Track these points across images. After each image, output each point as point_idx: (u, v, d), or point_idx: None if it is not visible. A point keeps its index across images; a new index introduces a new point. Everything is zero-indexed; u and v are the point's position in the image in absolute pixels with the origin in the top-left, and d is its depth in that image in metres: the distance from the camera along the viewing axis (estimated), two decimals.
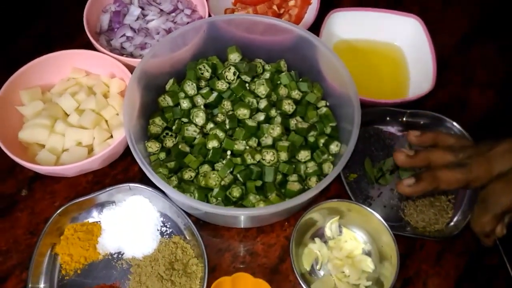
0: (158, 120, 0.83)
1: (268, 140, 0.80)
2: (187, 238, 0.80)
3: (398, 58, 1.01)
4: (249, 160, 0.78)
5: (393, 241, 0.74)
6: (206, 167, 0.79)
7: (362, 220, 0.79)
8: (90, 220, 0.82)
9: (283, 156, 0.78)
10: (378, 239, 0.79)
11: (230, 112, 0.83)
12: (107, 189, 0.80)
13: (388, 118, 0.92)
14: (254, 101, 0.84)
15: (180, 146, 0.80)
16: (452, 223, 0.82)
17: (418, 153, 0.69)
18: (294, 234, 0.75)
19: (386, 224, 0.75)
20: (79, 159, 0.78)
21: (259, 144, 0.81)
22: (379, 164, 0.89)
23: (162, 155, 0.81)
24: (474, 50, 1.07)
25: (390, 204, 0.86)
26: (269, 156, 0.78)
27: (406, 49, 1.01)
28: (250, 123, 0.81)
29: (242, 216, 0.76)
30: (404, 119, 0.91)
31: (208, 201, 0.77)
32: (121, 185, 0.81)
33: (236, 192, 0.76)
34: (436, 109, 0.91)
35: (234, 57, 0.87)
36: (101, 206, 0.83)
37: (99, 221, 0.82)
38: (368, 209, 0.77)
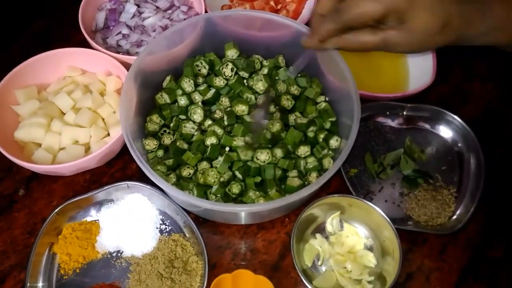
0: (155, 118, 0.82)
1: (266, 135, 0.79)
2: (187, 235, 0.79)
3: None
4: (243, 156, 0.77)
5: (395, 235, 0.74)
6: (204, 164, 0.78)
7: (364, 215, 0.78)
8: (88, 219, 0.81)
9: (279, 153, 0.78)
10: (380, 234, 0.78)
11: (228, 109, 0.82)
12: (105, 188, 0.79)
13: (388, 112, 0.91)
14: (253, 97, 0.83)
15: (178, 143, 0.79)
16: (454, 217, 0.81)
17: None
18: (295, 230, 0.74)
19: (387, 219, 0.74)
20: (76, 158, 0.77)
21: None
22: (380, 159, 0.88)
23: (160, 153, 0.80)
24: None
25: (391, 199, 0.85)
26: (263, 156, 0.77)
27: None
28: (249, 119, 0.80)
29: (242, 213, 0.75)
30: (405, 113, 0.90)
31: (207, 198, 0.76)
32: (119, 183, 0.80)
33: (235, 188, 0.75)
34: (436, 102, 0.90)
35: (232, 53, 0.87)
36: (99, 204, 0.82)
37: (98, 220, 0.81)
38: (369, 203, 0.76)
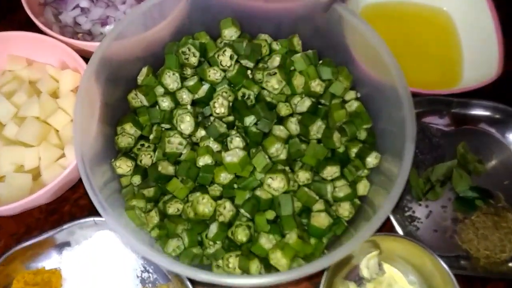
0: (129, 127, 0.66)
1: (282, 155, 0.60)
2: (175, 286, 0.64)
3: (447, 28, 0.84)
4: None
5: (451, 280, 0.59)
6: (198, 195, 0.59)
7: (409, 254, 0.64)
8: (47, 266, 0.67)
9: (304, 177, 0.59)
10: (430, 277, 0.64)
11: None
12: (65, 226, 0.66)
13: (435, 110, 0.75)
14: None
15: (160, 168, 0.61)
16: None
17: None
18: (325, 282, 0.59)
19: (441, 262, 0.62)
20: (21, 191, 0.62)
21: (269, 159, 0.61)
22: (426, 172, 0.72)
23: (137, 179, 0.63)
24: None
25: (442, 228, 0.71)
26: (276, 182, 0.58)
27: (457, 16, 0.84)
28: (255, 129, 0.63)
29: None
30: (456, 110, 0.75)
31: (203, 244, 0.59)
32: (83, 220, 0.66)
33: (241, 234, 0.57)
34: (497, 96, 0.73)
35: (230, 33, 0.70)
36: (60, 247, 0.67)
37: (59, 268, 0.67)
38: (421, 244, 0.61)
